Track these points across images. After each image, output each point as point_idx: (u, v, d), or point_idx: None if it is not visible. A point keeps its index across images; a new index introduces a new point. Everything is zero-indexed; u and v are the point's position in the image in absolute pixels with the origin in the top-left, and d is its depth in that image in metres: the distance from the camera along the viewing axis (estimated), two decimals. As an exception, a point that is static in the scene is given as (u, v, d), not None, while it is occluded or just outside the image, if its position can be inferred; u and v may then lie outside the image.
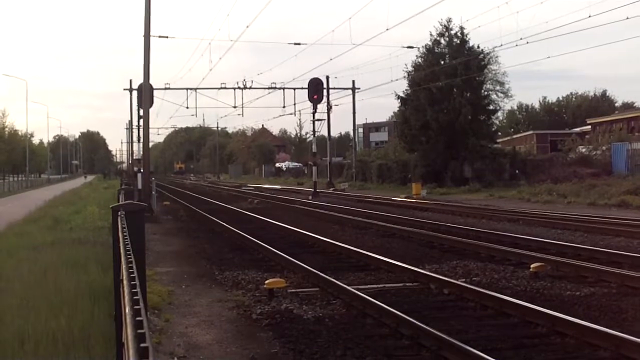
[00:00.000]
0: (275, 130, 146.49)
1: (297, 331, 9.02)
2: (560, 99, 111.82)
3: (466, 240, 17.40)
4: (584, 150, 50.74)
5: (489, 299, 10.12)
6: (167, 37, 47.59)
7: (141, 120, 35.00)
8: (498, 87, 66.32)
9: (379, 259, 14.40)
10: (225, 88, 54.71)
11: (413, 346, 8.19)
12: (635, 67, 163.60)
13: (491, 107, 54.48)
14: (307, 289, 11.89)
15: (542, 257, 13.88)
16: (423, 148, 52.20)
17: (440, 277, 12.07)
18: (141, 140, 35.53)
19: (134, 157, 51.68)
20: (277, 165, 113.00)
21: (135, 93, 48.85)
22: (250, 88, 54.07)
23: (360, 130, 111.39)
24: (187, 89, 55.72)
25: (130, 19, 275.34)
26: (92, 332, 7.82)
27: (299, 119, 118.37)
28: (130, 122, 62.51)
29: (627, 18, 29.94)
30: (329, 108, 56.39)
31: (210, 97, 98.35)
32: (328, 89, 55.43)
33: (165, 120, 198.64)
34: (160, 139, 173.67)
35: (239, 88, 54.19)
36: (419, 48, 53.25)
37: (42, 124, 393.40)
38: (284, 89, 55.30)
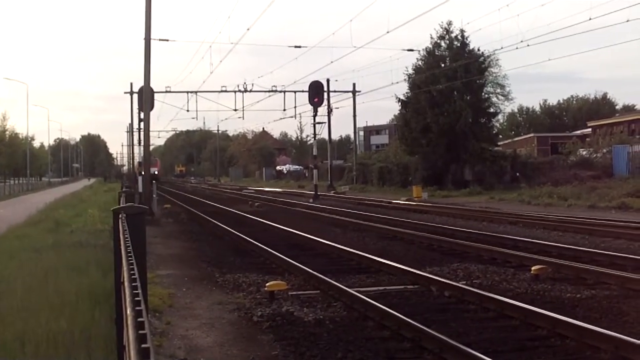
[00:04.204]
0: (275, 133, 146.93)
1: (298, 334, 9.01)
2: (561, 101, 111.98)
3: (467, 243, 17.39)
4: (584, 152, 50.73)
5: (490, 301, 10.12)
6: (167, 40, 47.26)
7: (142, 124, 35.05)
8: (499, 90, 66.46)
9: (379, 261, 14.40)
10: (225, 91, 54.75)
11: (414, 349, 8.19)
12: (636, 70, 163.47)
13: (492, 110, 54.52)
14: (308, 291, 11.89)
15: (542, 259, 13.88)
16: (424, 151, 52.23)
17: (441, 279, 12.06)
18: (142, 143, 35.56)
19: (137, 161, 51.71)
20: (278, 168, 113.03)
21: (136, 96, 48.97)
22: (250, 91, 54.13)
23: (361, 133, 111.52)
24: (187, 92, 55.85)
25: (131, 22, 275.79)
26: (93, 334, 7.82)
27: (300, 122, 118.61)
28: (131, 125, 62.57)
29: (628, 20, 30.01)
30: (330, 111, 56.46)
31: (210, 100, 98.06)
32: (329, 91, 55.48)
33: (165, 123, 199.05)
34: (161, 142, 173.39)
35: (239, 91, 54.24)
36: (419, 51, 53.35)
37: (43, 127, 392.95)
38: (284, 91, 55.37)
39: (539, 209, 30.60)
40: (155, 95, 40.70)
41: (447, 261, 15.15)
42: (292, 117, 61.79)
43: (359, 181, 64.41)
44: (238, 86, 54.29)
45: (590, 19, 30.11)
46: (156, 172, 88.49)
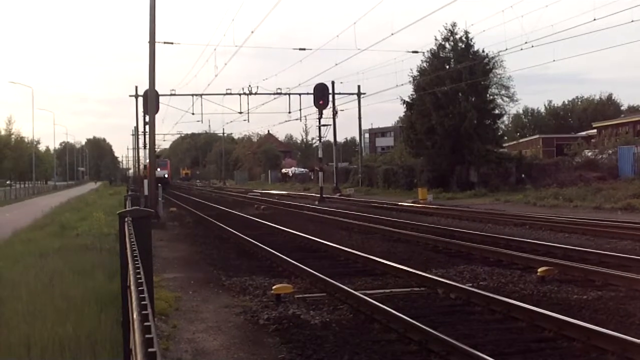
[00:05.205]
0: (281, 136, 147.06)
1: (305, 336, 9.01)
2: (566, 102, 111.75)
3: (473, 245, 17.38)
4: (589, 154, 50.60)
5: (497, 304, 10.10)
6: (172, 43, 47.24)
7: (147, 127, 35.09)
8: (503, 91, 66.28)
9: (386, 263, 14.39)
10: (230, 94, 54.85)
11: (421, 351, 8.18)
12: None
13: (497, 112, 54.45)
14: (315, 294, 11.88)
15: (549, 261, 13.85)
16: (429, 153, 52.16)
17: (448, 281, 12.05)
18: (147, 146, 35.61)
19: (143, 164, 51.74)
20: (283, 171, 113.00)
21: (141, 99, 49.05)
22: (255, 94, 54.19)
23: (366, 135, 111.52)
24: (192, 95, 55.94)
25: (135, 25, 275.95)
26: (99, 338, 7.82)
27: (305, 125, 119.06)
28: (136, 128, 62.86)
29: (632, 21, 29.94)
30: (335, 113, 56.51)
31: (215, 103, 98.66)
32: (333, 94, 55.55)
33: (171, 126, 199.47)
34: (166, 145, 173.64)
35: (244, 94, 54.32)
36: (424, 53, 53.34)
37: (48, 131, 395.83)
38: (289, 94, 55.42)
39: (544, 211, 30.54)
40: (160, 98, 40.74)
41: (453, 263, 15.13)
42: (297, 119, 62.40)
43: (364, 183, 64.38)
44: (243, 89, 54.45)
45: (594, 19, 30.30)
46: (166, 175, 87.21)
